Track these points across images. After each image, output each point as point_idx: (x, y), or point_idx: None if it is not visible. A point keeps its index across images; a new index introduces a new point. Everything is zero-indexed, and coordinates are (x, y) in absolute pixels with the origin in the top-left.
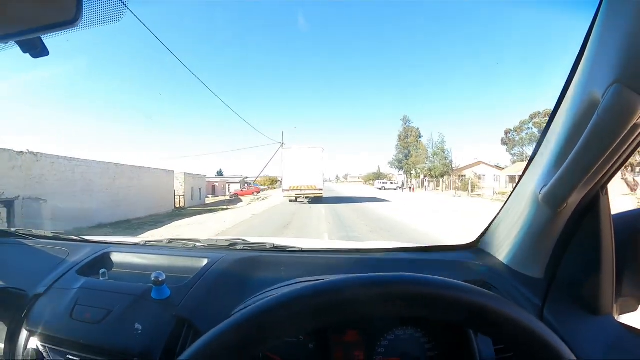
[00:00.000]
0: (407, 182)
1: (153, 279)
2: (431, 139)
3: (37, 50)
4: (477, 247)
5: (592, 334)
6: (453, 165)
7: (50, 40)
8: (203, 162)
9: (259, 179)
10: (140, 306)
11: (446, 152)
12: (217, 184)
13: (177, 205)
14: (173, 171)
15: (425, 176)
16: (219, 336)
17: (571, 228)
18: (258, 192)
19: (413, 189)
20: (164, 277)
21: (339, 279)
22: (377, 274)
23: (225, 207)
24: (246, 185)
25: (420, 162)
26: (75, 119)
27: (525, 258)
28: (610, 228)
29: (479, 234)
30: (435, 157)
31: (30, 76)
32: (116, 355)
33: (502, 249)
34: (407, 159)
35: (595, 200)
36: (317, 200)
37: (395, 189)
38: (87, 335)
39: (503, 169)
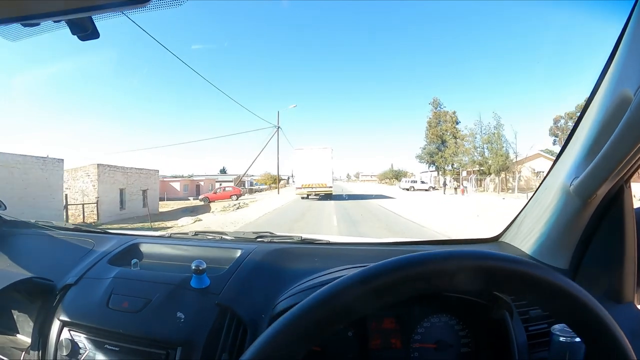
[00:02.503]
0: (449, 180)
1: (194, 267)
2: (479, 122)
3: (88, 32)
4: (500, 241)
5: (616, 322)
6: (511, 158)
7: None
8: (206, 161)
9: (259, 177)
10: (180, 295)
11: (503, 139)
12: (202, 183)
13: (85, 219)
14: (62, 160)
15: (469, 173)
16: (302, 314)
17: (596, 220)
18: (238, 195)
19: (463, 191)
20: (205, 265)
21: (402, 257)
22: (439, 250)
23: (150, 223)
24: (246, 184)
25: (465, 153)
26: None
27: (551, 249)
28: (633, 220)
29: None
30: (488, 146)
31: None
32: (158, 344)
33: (527, 241)
34: (442, 151)
35: (620, 193)
36: (327, 197)
37: (427, 189)
38: (127, 324)
39: None
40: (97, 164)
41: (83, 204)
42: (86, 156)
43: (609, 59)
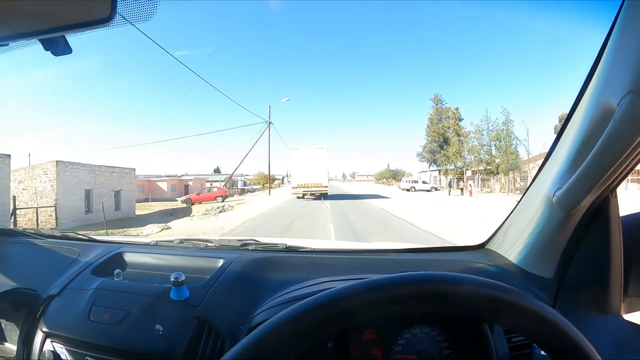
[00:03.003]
0: (453, 180)
1: (173, 279)
2: (486, 118)
3: (59, 47)
4: (486, 248)
5: (601, 332)
6: (522, 156)
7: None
8: (200, 161)
9: (252, 177)
10: (160, 307)
11: (513, 136)
12: (190, 183)
13: (39, 226)
14: (8, 156)
15: (474, 172)
16: (260, 340)
17: (581, 229)
18: (224, 196)
19: (470, 192)
20: (184, 277)
21: (374, 279)
22: (410, 272)
23: (105, 230)
24: (239, 184)
25: (471, 151)
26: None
27: (536, 258)
28: (619, 229)
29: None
30: (496, 143)
31: None
32: (137, 357)
33: (513, 250)
34: (444, 150)
35: (606, 203)
36: (322, 197)
37: (429, 190)
38: (107, 336)
39: None
40: (56, 161)
41: (37, 208)
42: (73, 155)
43: (593, 66)
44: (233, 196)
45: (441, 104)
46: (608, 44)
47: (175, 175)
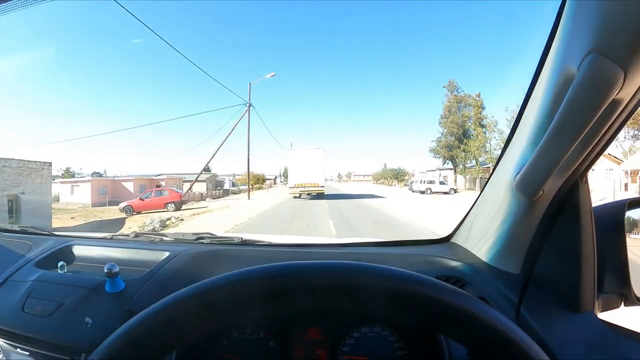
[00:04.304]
0: (477, 180)
1: (106, 270)
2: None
3: None
4: (452, 242)
5: (572, 332)
6: None
7: None
8: (194, 160)
9: (239, 177)
10: (93, 299)
11: None
12: (163, 183)
13: None
14: None
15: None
16: (126, 334)
17: (549, 220)
18: (180, 203)
19: None
20: (118, 269)
21: (251, 268)
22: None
23: None
24: (227, 183)
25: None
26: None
27: (502, 252)
28: (590, 220)
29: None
30: None
31: None
32: (64, 349)
33: (478, 243)
34: (464, 144)
35: (574, 190)
36: (319, 197)
37: (447, 192)
38: (37, 328)
39: (620, 161)
40: None
41: None
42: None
43: (552, 31)
44: (205, 200)
45: (457, 91)
46: (567, 2)
47: (153, 175)
